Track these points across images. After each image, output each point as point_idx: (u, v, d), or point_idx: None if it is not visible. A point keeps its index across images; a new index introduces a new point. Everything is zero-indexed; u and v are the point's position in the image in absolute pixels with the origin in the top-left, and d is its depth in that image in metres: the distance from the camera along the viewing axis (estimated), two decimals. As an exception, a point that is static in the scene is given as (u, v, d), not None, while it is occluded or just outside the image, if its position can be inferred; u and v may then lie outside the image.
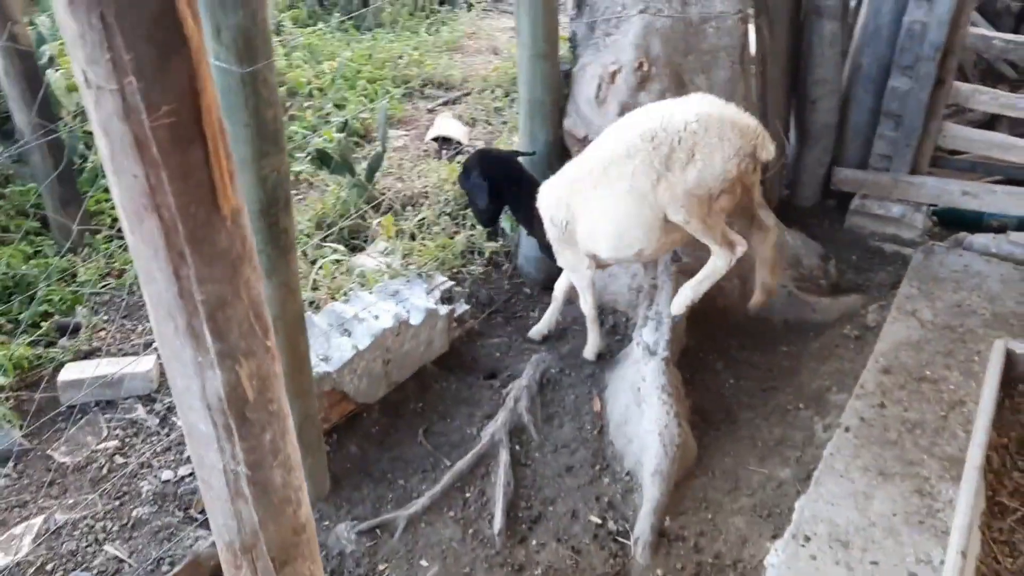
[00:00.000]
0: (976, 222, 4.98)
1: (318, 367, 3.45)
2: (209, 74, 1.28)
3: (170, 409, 3.74)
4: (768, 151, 3.37)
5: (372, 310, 3.79)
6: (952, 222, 4.96)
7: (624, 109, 3.90)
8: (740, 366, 4.16)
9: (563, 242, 3.81)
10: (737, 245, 3.52)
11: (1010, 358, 3.29)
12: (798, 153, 4.96)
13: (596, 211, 3.58)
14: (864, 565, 3.00)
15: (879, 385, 3.80)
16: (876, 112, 4.77)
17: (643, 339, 3.81)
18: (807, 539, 3.11)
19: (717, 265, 3.57)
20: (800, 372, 3.91)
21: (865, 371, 3.88)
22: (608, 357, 4.18)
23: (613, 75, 3.88)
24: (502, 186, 3.95)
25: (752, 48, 4.21)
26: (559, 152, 4.24)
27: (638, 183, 3.40)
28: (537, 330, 4.29)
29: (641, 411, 3.65)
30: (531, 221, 3.93)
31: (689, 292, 3.69)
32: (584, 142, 4.11)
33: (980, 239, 4.76)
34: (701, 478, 3.59)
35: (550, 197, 3.77)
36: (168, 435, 3.62)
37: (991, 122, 5.70)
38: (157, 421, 3.70)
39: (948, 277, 4.52)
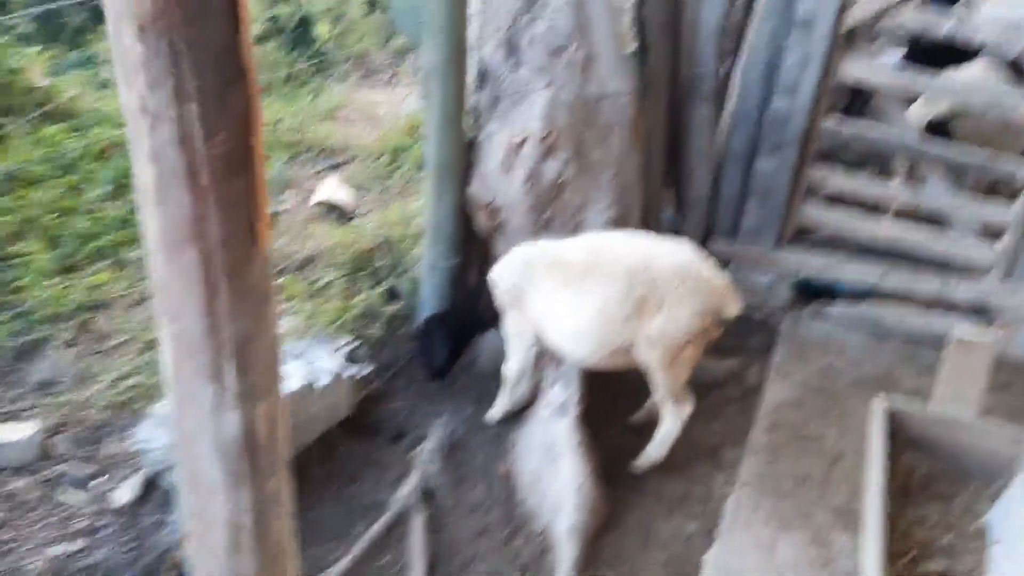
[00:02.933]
0: (829, 291, 5.43)
1: (227, 430, 3.29)
2: (260, 106, 1.28)
3: (51, 480, 3.44)
4: (734, 309, 3.62)
5: (279, 372, 3.67)
6: (808, 292, 5.39)
7: (530, 176, 4.06)
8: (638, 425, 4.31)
9: (513, 308, 3.89)
10: (686, 406, 3.82)
11: (890, 413, 3.61)
12: (677, 224, 5.28)
13: (559, 306, 3.69)
14: (775, 611, 3.16)
15: (768, 442, 4.05)
16: (745, 189, 5.17)
17: (553, 398, 3.89)
18: (721, 589, 3.24)
19: (670, 427, 3.86)
20: (692, 430, 4.09)
21: (753, 429, 4.14)
22: (511, 419, 4.22)
23: (520, 144, 4.03)
24: (460, 341, 4.25)
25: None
26: (463, 217, 4.32)
27: (610, 310, 3.57)
28: (495, 412, 4.21)
29: (555, 469, 3.70)
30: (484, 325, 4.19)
31: (653, 453, 3.92)
32: (490, 208, 4.22)
33: (837, 309, 5.21)
34: (613, 533, 3.66)
35: (512, 267, 3.85)
36: (53, 510, 3.32)
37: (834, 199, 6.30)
38: (39, 494, 3.39)
39: (815, 343, 4.92)
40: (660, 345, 3.57)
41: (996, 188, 6.15)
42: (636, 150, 4.36)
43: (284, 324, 4.15)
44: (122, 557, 3.24)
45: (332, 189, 5.74)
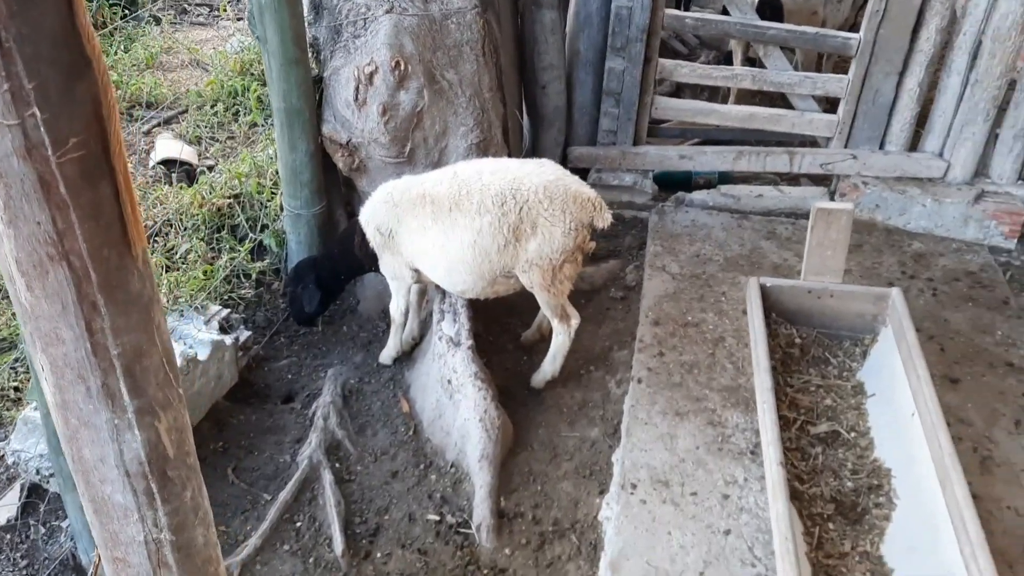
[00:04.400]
0: (687, 180, 5.60)
1: (110, 424, 3.10)
2: (115, 99, 1.14)
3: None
4: (605, 219, 3.61)
5: (153, 352, 3.46)
6: (667, 184, 5.53)
7: (385, 109, 3.91)
8: (530, 343, 4.36)
9: (386, 249, 3.79)
10: (572, 319, 3.85)
11: (763, 291, 3.78)
12: (535, 136, 5.26)
13: (432, 243, 3.62)
14: (686, 498, 3.32)
15: (654, 336, 4.19)
16: (598, 92, 5.19)
17: (444, 332, 3.86)
18: (633, 486, 3.37)
19: (561, 341, 3.89)
20: (582, 337, 4.17)
21: (639, 326, 4.25)
22: (403, 359, 4.18)
23: (370, 76, 3.86)
24: (332, 286, 4.10)
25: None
26: (321, 159, 4.14)
27: (484, 242, 3.53)
28: (387, 354, 4.18)
29: (455, 402, 3.71)
30: (362, 268, 4.04)
31: (548, 368, 3.97)
32: (347, 147, 4.05)
33: (698, 195, 5.38)
34: (522, 453, 3.73)
35: (378, 208, 3.74)
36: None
37: (676, 92, 6.44)
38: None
39: (682, 232, 5.07)
40: (539, 266, 3.59)
41: (822, 61, 6.46)
42: (488, 67, 4.26)
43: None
44: None
45: (170, 146, 5.36)
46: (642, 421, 3.68)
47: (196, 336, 3.65)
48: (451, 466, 3.67)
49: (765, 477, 3.17)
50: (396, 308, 3.99)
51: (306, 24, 4.12)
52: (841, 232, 3.68)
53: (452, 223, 3.55)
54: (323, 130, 4.06)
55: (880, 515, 3.14)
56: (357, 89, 3.89)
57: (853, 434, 3.48)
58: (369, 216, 3.76)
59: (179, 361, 3.46)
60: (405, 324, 4.11)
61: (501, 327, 4.42)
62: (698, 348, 4.12)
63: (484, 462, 3.52)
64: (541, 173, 3.60)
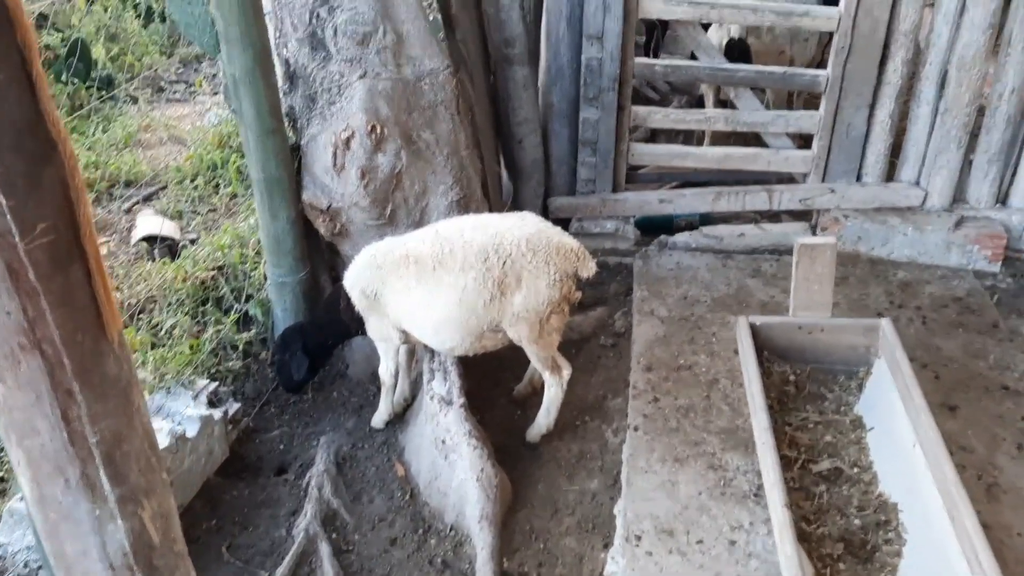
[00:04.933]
0: (668, 224, 5.63)
1: (99, 510, 3.02)
2: (82, 182, 1.12)
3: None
4: (589, 269, 3.61)
5: (141, 432, 3.40)
6: (649, 228, 5.55)
7: (364, 172, 3.92)
8: (523, 397, 4.31)
9: (372, 312, 3.77)
10: (563, 370, 3.84)
11: (753, 330, 3.76)
12: (515, 190, 5.28)
13: (418, 302, 3.60)
14: (692, 547, 3.26)
15: (647, 382, 4.15)
16: (575, 142, 5.23)
17: (435, 391, 3.82)
18: (638, 538, 3.30)
19: (554, 393, 3.86)
20: (575, 387, 4.13)
21: (631, 373, 4.22)
22: (396, 421, 4.13)
23: (347, 141, 3.87)
24: (320, 352, 4.07)
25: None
26: (302, 226, 4.13)
27: (469, 298, 3.51)
28: (379, 418, 4.11)
29: (450, 463, 3.65)
30: (349, 333, 4.02)
31: (543, 422, 3.93)
32: (328, 212, 4.05)
33: (681, 238, 5.40)
34: (522, 511, 3.66)
35: (362, 271, 3.72)
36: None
37: (652, 137, 6.50)
38: None
39: (668, 276, 5.07)
40: (526, 319, 3.57)
41: (792, 99, 6.55)
42: (464, 125, 4.29)
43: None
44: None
45: (151, 222, 5.35)
46: (642, 469, 3.62)
47: (184, 413, 3.59)
48: (451, 529, 3.59)
49: (771, 520, 3.11)
50: (386, 370, 3.95)
51: (281, 94, 4.16)
52: (826, 266, 3.68)
53: (437, 282, 3.53)
54: (303, 197, 4.06)
55: (891, 551, 3.08)
56: (335, 154, 3.91)
57: (856, 469, 3.44)
58: (353, 280, 3.74)
59: (168, 440, 3.40)
60: (396, 386, 4.06)
61: (493, 382, 4.37)
62: (692, 391, 4.08)
63: (484, 523, 3.45)
64: (523, 226, 3.60)
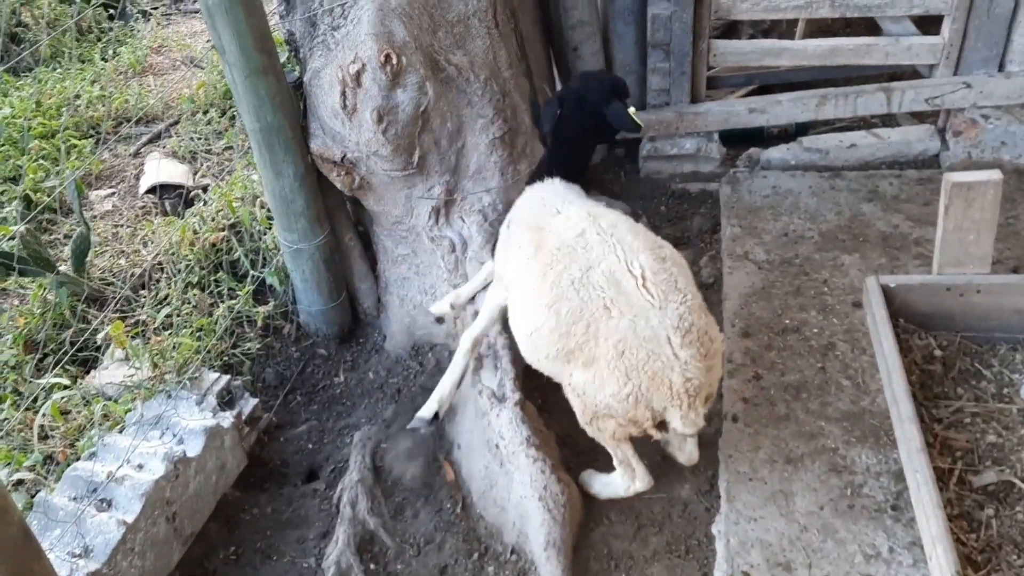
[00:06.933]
0: (757, 135, 4.71)
1: (77, 572, 2.47)
2: None
3: None
4: (678, 422, 2.54)
5: (132, 458, 2.81)
6: (733, 139, 4.64)
7: (381, 115, 3.12)
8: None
9: (506, 258, 3.00)
10: (636, 481, 2.85)
11: (886, 294, 2.93)
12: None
13: (528, 293, 2.77)
14: (815, 584, 2.56)
15: (745, 353, 3.39)
16: (643, 46, 4.30)
17: (484, 384, 3.12)
18: (746, 575, 2.62)
19: (617, 485, 2.92)
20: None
21: (725, 341, 3.44)
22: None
23: (357, 76, 3.06)
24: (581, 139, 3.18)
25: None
26: (315, 181, 3.40)
27: (542, 330, 2.69)
28: (428, 408, 3.23)
29: (507, 472, 2.98)
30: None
31: (597, 488, 3.03)
32: (343, 164, 3.29)
33: (775, 153, 4.49)
34: (597, 529, 2.99)
35: (529, 205, 3.02)
36: None
37: (727, 33, 5.45)
38: None
39: (763, 204, 4.20)
40: (579, 399, 2.71)
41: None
42: (505, 39, 3.43)
43: (129, 376, 3.24)
44: None
45: (159, 169, 4.69)
46: (745, 476, 2.90)
47: (185, 425, 2.99)
48: (511, 552, 2.95)
49: (920, 544, 2.38)
50: (472, 332, 3.15)
51: (278, 17, 3.36)
52: (987, 210, 2.79)
53: (558, 284, 2.65)
54: (311, 147, 3.30)
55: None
56: (344, 94, 3.11)
57: (1032, 482, 2.65)
58: (524, 212, 3.03)
59: (164, 467, 2.81)
60: (469, 362, 3.24)
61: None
62: (803, 362, 3.31)
63: (551, 551, 2.79)
64: (647, 309, 2.50)
